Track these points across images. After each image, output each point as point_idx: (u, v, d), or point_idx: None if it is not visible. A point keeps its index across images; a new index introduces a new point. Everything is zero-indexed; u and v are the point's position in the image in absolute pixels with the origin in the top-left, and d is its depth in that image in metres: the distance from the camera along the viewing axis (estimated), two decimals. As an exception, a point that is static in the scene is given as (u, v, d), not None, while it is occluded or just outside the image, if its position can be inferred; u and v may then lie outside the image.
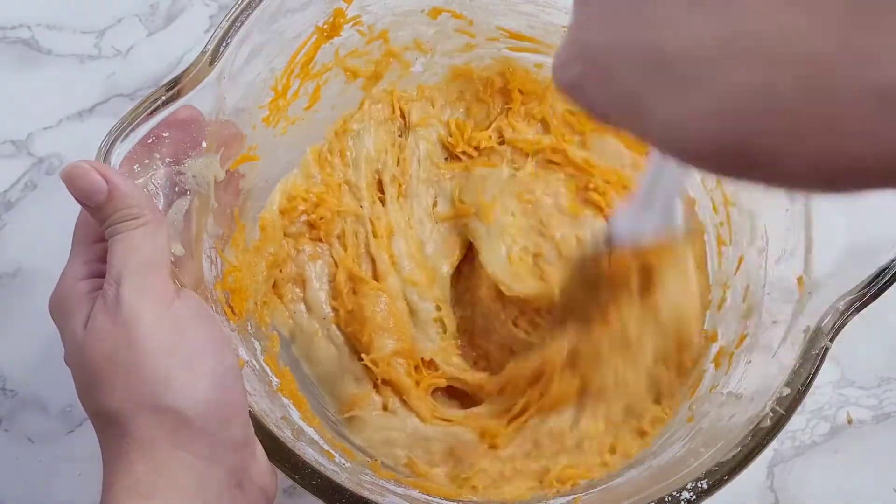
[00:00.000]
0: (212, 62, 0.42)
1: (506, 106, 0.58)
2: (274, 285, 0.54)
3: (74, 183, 0.37)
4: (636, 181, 0.54)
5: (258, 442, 0.40)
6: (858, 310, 0.41)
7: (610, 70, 0.25)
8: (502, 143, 0.58)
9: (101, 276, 0.38)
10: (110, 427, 0.36)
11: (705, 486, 0.39)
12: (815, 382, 0.41)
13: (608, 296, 0.51)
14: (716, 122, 0.21)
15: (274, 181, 0.54)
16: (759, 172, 0.22)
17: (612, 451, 0.50)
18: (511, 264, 0.54)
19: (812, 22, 0.19)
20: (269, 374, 0.47)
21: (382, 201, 0.57)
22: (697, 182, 0.55)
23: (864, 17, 0.19)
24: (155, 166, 0.41)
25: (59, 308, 0.39)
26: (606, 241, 0.50)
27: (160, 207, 0.41)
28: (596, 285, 0.51)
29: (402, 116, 0.58)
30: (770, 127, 0.21)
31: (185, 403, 0.36)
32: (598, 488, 0.47)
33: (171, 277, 0.38)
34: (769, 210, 0.48)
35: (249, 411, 0.39)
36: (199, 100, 0.41)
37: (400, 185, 0.57)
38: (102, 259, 0.38)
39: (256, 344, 0.48)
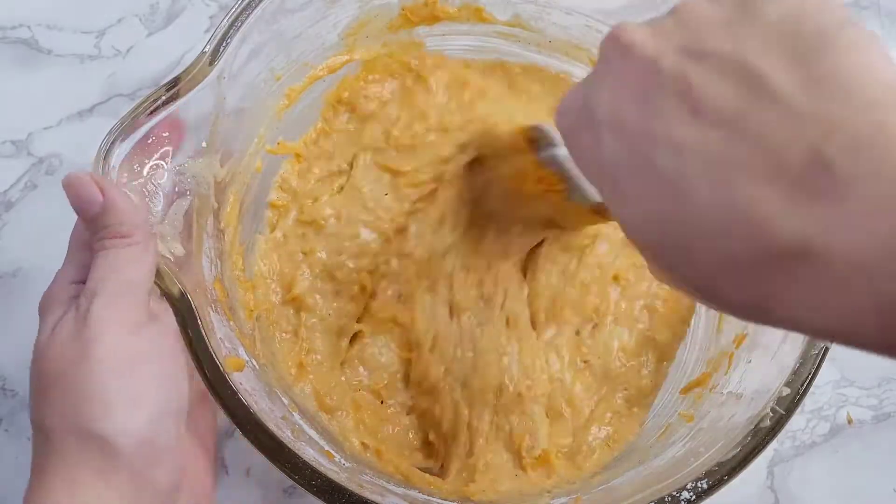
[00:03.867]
0: (212, 62, 0.42)
1: None
2: None
3: (73, 191, 0.38)
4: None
5: (198, 491, 0.40)
6: (858, 310, 0.41)
7: (600, 140, 0.29)
8: None
9: None
10: (43, 441, 0.36)
11: (705, 486, 0.39)
12: (815, 382, 0.41)
13: None
14: (644, 233, 0.29)
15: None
16: (668, 270, 0.29)
17: None
18: None
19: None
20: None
21: None
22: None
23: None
24: (155, 166, 0.41)
25: (43, 307, 0.39)
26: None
27: (160, 207, 0.41)
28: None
29: None
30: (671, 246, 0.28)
31: (116, 432, 0.35)
32: (599, 488, 0.47)
33: (145, 305, 0.38)
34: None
35: (249, 411, 0.39)
36: (198, 100, 0.41)
37: None
38: None
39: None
